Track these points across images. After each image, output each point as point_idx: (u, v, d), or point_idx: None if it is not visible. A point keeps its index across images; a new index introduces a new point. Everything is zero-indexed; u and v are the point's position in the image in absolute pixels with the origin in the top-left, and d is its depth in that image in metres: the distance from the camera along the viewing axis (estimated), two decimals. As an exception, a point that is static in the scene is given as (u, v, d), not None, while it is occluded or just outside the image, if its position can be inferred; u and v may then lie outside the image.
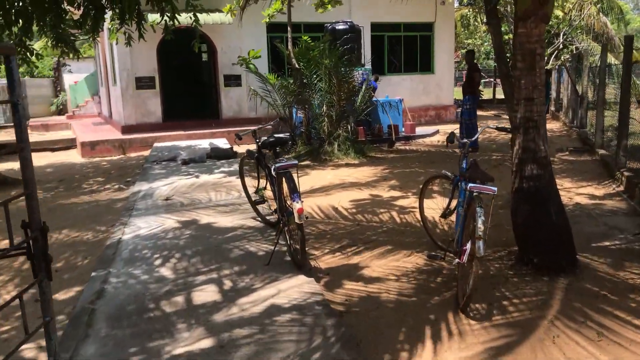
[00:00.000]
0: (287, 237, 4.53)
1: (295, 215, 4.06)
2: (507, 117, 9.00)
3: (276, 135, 5.30)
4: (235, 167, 9.53)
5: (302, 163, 10.22)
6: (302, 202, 4.18)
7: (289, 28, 11.46)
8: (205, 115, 15.97)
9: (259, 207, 5.87)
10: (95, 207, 7.20)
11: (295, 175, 4.43)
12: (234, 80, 15.22)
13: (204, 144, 13.00)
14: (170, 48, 14.74)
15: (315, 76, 10.96)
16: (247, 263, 4.53)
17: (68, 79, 23.90)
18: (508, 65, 6.21)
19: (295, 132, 11.66)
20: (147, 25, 11.01)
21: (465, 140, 4.53)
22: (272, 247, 4.72)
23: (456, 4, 20.80)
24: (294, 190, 4.24)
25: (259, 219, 5.84)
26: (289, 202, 4.51)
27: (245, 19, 15.04)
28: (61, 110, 24.17)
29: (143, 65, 14.37)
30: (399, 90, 17.24)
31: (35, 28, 9.56)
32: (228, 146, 12.37)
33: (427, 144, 12.68)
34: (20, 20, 8.34)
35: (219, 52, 15.00)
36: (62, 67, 24.13)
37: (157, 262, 4.64)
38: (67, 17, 9.75)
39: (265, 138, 5.32)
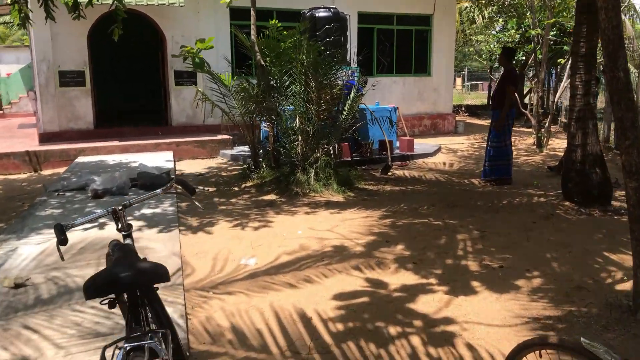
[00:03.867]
0: None
1: None
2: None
3: (142, 264, 2.06)
4: (165, 208, 6.57)
5: (266, 197, 7.32)
6: None
7: (252, 11, 8.47)
8: (151, 121, 12.91)
9: None
10: None
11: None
12: (187, 78, 12.18)
13: (143, 159, 9.98)
14: (107, 35, 11.68)
15: (286, 77, 8.04)
16: None
17: (3, 71, 20.53)
18: (628, 70, 3.43)
19: (258, 151, 8.72)
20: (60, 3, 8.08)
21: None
22: None
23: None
24: None
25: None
26: None
27: (203, 1, 12.07)
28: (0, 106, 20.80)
29: (69, 55, 11.24)
30: (389, 95, 14.44)
31: None
32: (169, 166, 9.38)
33: (431, 167, 9.82)
34: None
35: (168, 43, 11.95)
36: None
37: None
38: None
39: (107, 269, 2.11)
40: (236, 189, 7.99)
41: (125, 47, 14.20)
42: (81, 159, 10.15)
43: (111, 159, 10.22)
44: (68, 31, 11.00)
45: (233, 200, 7.25)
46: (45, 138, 11.17)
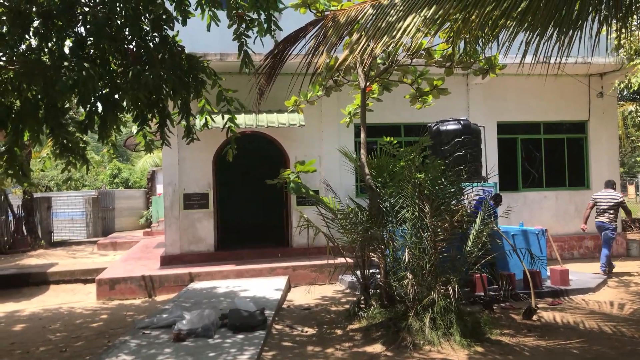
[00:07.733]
0: None
1: None
2: None
3: None
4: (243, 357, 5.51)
5: (370, 348, 5.96)
6: None
7: (362, 130, 7.67)
8: (271, 242, 12.41)
9: None
10: None
11: None
12: (309, 199, 11.58)
13: (253, 286, 9.30)
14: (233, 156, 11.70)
15: (399, 200, 6.91)
16: None
17: (159, 191, 22.20)
18: None
19: (369, 285, 7.46)
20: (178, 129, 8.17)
21: None
22: None
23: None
24: None
25: None
26: None
27: (326, 120, 11.72)
28: (150, 224, 22.34)
29: (195, 178, 11.35)
30: (539, 212, 12.55)
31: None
32: (275, 296, 8.48)
33: (593, 308, 7.66)
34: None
35: (291, 162, 11.60)
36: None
37: None
38: (68, 118, 7.03)
39: None
40: (339, 332, 6.73)
41: (249, 167, 14.31)
42: (193, 285, 9.71)
43: (224, 285, 9.65)
44: (194, 155, 11.18)
45: (329, 350, 5.99)
46: (166, 261, 11.07)
